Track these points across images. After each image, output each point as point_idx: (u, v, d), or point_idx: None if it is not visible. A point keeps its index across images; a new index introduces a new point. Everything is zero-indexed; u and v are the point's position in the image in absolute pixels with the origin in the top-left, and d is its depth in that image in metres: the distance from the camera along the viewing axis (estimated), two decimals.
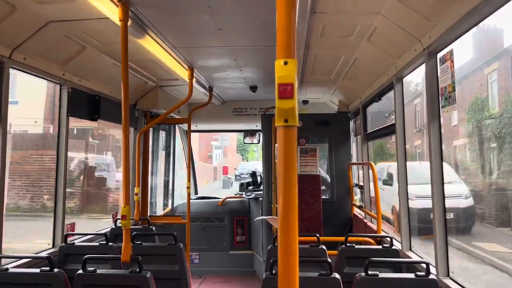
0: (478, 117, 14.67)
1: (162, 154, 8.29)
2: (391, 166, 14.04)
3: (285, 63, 1.40)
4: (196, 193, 9.66)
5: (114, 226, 5.56)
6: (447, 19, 3.00)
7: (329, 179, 7.40)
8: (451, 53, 3.22)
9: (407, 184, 4.51)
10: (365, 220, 6.17)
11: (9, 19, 3.36)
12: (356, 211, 6.86)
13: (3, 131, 3.64)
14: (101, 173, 17.33)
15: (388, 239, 4.30)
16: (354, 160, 7.33)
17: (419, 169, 12.94)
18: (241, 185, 9.24)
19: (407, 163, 4.55)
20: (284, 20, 1.43)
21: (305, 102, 8.05)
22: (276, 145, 5.06)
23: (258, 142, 9.13)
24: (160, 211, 8.08)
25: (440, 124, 3.53)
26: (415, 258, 4.19)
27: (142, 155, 6.76)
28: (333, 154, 7.27)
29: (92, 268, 3.33)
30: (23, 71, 3.97)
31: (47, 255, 3.70)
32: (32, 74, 4.13)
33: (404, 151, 4.52)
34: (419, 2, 3.14)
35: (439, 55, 3.41)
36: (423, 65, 3.66)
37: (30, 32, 3.67)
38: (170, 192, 8.42)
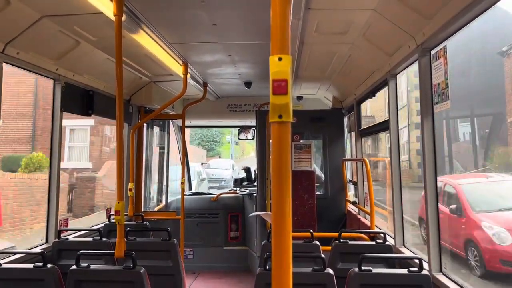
0: None
1: (156, 149, 8.27)
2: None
3: (280, 59, 1.41)
4: (190, 189, 9.66)
5: (108, 222, 5.55)
6: (441, 16, 3.01)
7: (323, 177, 7.42)
8: (444, 50, 3.24)
9: (400, 179, 4.53)
10: (358, 216, 6.19)
11: (3, 13, 3.33)
12: (350, 207, 6.88)
13: None
14: None
15: (382, 235, 4.33)
16: (348, 156, 7.36)
17: None
18: (236, 181, 9.25)
19: None
20: (279, 16, 1.43)
21: (299, 98, 8.05)
22: (270, 141, 5.07)
23: (253, 138, 9.13)
24: (154, 207, 8.07)
25: (433, 121, 3.55)
26: (408, 254, 4.22)
27: (136, 151, 6.75)
28: (327, 150, 7.29)
29: (86, 264, 3.33)
30: (16, 66, 3.95)
31: (40, 250, 3.69)
32: (25, 69, 4.11)
33: (397, 147, 4.54)
34: None
35: (433, 52, 3.43)
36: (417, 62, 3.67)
37: (24, 26, 3.64)
38: (164, 187, 8.41)
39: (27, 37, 3.75)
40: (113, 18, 3.42)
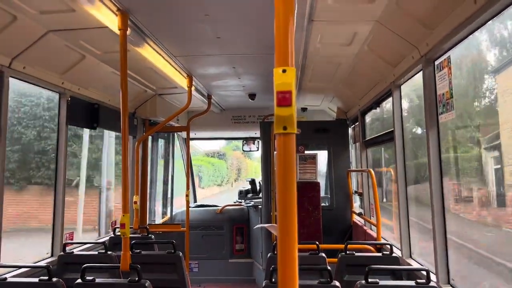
0: None
1: (161, 162, 8.29)
2: None
3: (284, 71, 1.41)
4: (195, 201, 9.65)
5: (113, 235, 5.54)
6: (444, 27, 3.02)
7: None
8: (448, 60, 3.24)
9: (406, 190, 4.50)
10: (364, 227, 6.15)
11: (9, 28, 3.37)
12: (356, 218, 6.84)
13: (2, 140, 3.63)
14: None
15: (388, 246, 4.29)
16: (353, 167, 7.33)
17: None
18: (240, 192, 9.23)
19: None
20: (282, 28, 1.44)
21: (303, 109, 8.06)
22: (275, 152, 5.06)
23: (257, 150, 9.14)
24: (159, 220, 8.06)
25: (438, 131, 3.54)
26: (415, 265, 4.18)
27: (141, 163, 6.76)
28: (332, 161, 7.28)
29: (91, 277, 3.32)
30: (22, 80, 3.98)
31: (45, 264, 3.68)
32: (31, 83, 4.14)
33: (403, 157, 4.52)
34: (416, 10, 3.16)
35: (436, 62, 3.43)
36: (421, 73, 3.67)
37: (30, 41, 3.68)
38: (169, 200, 8.40)
39: (33, 51, 3.78)
40: (118, 32, 3.46)
